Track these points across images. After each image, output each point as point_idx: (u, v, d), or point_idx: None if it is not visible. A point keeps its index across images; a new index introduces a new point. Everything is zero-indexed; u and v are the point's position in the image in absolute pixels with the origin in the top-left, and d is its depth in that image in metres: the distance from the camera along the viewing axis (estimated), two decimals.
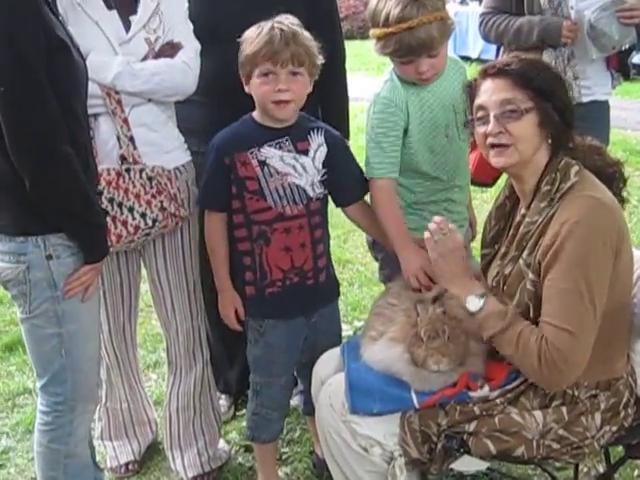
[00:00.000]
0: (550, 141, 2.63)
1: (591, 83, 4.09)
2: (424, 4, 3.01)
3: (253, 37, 2.99)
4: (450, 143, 3.24)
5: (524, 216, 2.67)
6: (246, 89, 3.07)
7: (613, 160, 2.69)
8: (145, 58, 3.20)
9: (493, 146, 2.64)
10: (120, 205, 3.11)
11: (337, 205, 3.30)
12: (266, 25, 3.00)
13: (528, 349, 2.48)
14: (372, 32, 3.16)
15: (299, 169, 3.11)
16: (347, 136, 3.81)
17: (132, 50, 3.18)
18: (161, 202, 3.19)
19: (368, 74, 17.16)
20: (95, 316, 2.94)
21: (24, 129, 2.56)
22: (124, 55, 3.15)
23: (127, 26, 3.20)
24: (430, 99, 3.24)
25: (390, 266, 3.39)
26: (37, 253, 2.71)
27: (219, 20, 3.33)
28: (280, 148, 3.09)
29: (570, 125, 2.65)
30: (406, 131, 3.24)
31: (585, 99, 4.06)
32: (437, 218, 2.84)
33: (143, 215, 3.15)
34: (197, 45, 3.30)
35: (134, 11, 3.21)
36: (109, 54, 3.13)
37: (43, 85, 2.54)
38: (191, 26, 3.33)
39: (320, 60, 3.10)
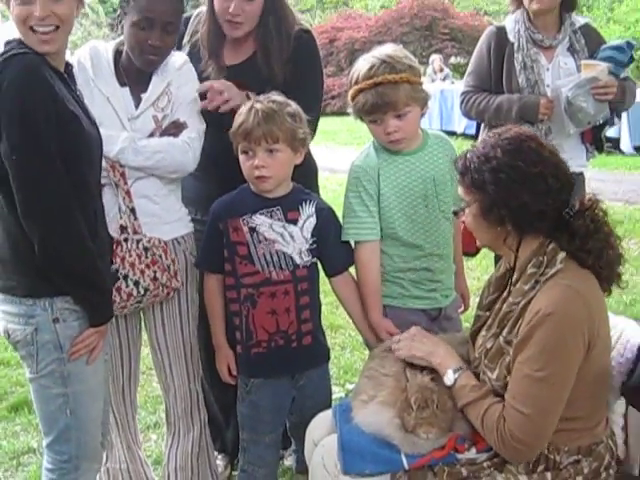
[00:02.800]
0: (501, 229, 2.61)
1: (567, 156, 4.04)
2: (392, 65, 3.11)
3: (237, 115, 3.09)
4: (429, 213, 3.23)
5: (509, 294, 2.67)
6: None
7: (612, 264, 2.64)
8: (152, 135, 3.25)
9: None
10: (116, 272, 3.12)
11: (326, 274, 3.31)
12: (247, 104, 3.09)
13: (490, 425, 2.51)
14: (348, 95, 3.25)
15: (287, 237, 3.14)
16: None
17: (140, 126, 3.24)
18: (154, 272, 3.20)
19: (357, 148, 17.29)
20: (100, 378, 2.93)
21: (33, 196, 2.58)
22: (132, 130, 3.20)
23: (137, 103, 3.26)
24: (407, 167, 3.24)
25: None
26: (44, 316, 2.71)
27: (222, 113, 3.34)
28: (271, 216, 3.12)
29: (536, 218, 2.55)
30: (379, 197, 3.24)
31: None
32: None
33: (136, 283, 3.16)
34: (202, 126, 3.35)
35: (145, 89, 3.26)
36: (117, 129, 3.18)
37: (52, 155, 2.57)
38: (199, 107, 3.36)
39: (305, 134, 3.14)
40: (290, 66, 3.53)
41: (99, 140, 2.89)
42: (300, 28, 3.64)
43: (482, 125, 4.45)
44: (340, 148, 17.18)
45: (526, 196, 2.52)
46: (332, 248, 3.24)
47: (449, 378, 2.65)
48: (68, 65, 2.85)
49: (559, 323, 2.43)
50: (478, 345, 2.74)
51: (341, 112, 24.00)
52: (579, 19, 4.30)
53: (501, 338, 2.60)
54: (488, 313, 2.79)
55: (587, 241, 2.54)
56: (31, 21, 2.59)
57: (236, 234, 3.10)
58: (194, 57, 3.51)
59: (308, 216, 3.18)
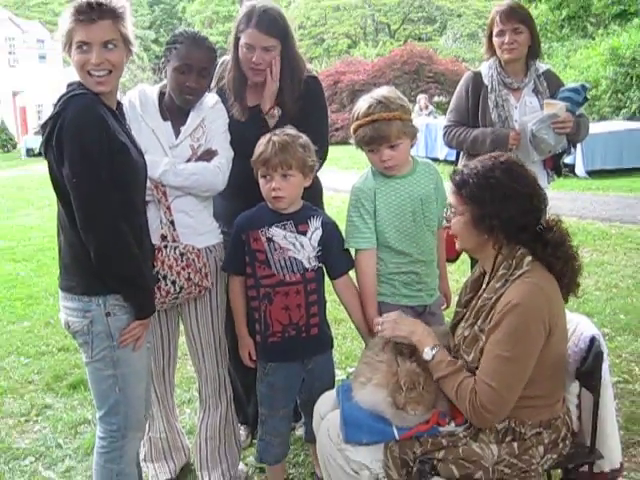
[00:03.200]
0: (492, 237, 2.62)
1: None
2: (387, 105, 3.15)
3: (257, 146, 3.14)
4: (416, 227, 3.24)
5: (484, 291, 2.68)
6: None
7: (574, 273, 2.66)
8: (189, 160, 3.29)
9: None
10: (157, 273, 3.15)
11: (329, 277, 3.32)
12: (266, 137, 3.14)
13: (463, 396, 2.53)
14: (351, 128, 3.28)
15: (298, 246, 3.16)
16: None
17: (179, 153, 3.27)
18: (188, 273, 3.22)
19: (358, 172, 17.27)
20: (144, 362, 2.93)
21: (89, 213, 2.60)
22: (173, 156, 3.25)
23: (177, 133, 3.30)
24: (399, 189, 3.26)
25: None
26: (98, 311, 2.73)
27: (245, 140, 3.33)
28: (284, 229, 3.15)
29: (521, 228, 2.58)
30: (375, 213, 3.26)
31: None
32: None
33: (173, 283, 3.18)
34: (230, 154, 3.36)
35: (184, 123, 3.30)
36: (160, 155, 3.23)
37: (104, 180, 2.58)
38: (228, 138, 3.41)
39: (314, 162, 3.18)
40: (300, 103, 3.56)
41: (144, 166, 2.90)
42: (308, 75, 3.67)
43: (461, 153, 4.44)
44: (343, 172, 17.18)
45: (515, 211, 2.56)
46: (335, 256, 3.25)
47: (427, 353, 2.65)
48: (119, 104, 2.87)
49: (524, 312, 2.46)
50: (457, 335, 2.75)
51: (344, 142, 24.01)
52: (542, 66, 4.33)
53: (476, 327, 2.62)
54: (465, 309, 2.80)
55: (557, 250, 2.60)
56: (88, 67, 2.61)
57: (256, 243, 3.13)
58: (221, 99, 3.51)
59: (315, 228, 3.20)
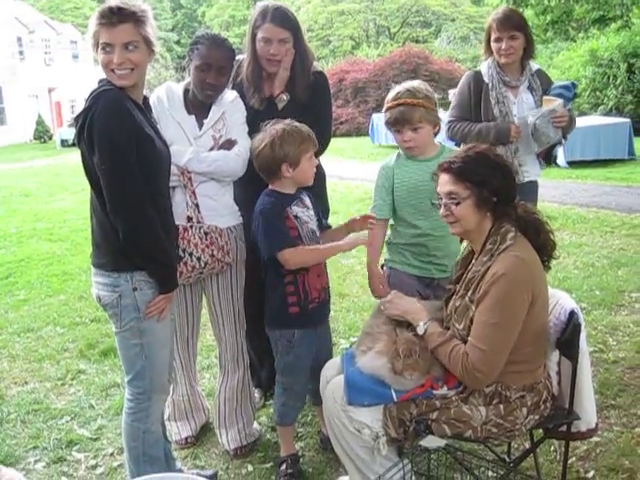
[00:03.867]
0: (490, 214, 2.64)
1: (528, 168, 4.16)
2: (413, 93, 3.29)
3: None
4: (433, 206, 3.04)
5: (473, 265, 2.68)
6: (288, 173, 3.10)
7: (547, 237, 2.68)
8: (211, 149, 3.31)
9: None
10: (184, 251, 3.18)
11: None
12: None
13: (456, 360, 2.54)
14: (382, 111, 3.48)
15: (311, 218, 3.20)
16: (327, 209, 3.89)
17: (202, 143, 3.30)
18: (212, 250, 3.25)
19: (360, 161, 17.29)
20: (168, 332, 2.94)
21: (118, 197, 2.62)
22: (197, 146, 3.27)
23: (200, 126, 3.33)
24: (419, 170, 3.36)
25: None
26: (126, 286, 2.74)
27: (259, 126, 3.34)
28: (298, 206, 3.16)
29: (508, 201, 2.64)
30: (393, 189, 3.42)
31: (525, 179, 4.12)
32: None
33: (198, 259, 3.21)
34: (248, 143, 3.35)
35: (206, 116, 3.33)
36: (185, 145, 3.27)
37: (131, 166, 2.60)
38: (247, 128, 3.42)
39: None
40: (309, 92, 3.61)
41: (168, 155, 2.91)
42: (316, 70, 3.72)
43: (461, 145, 4.29)
44: (346, 161, 17.18)
45: (509, 183, 2.66)
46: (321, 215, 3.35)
47: (421, 328, 2.67)
48: (145, 98, 2.87)
49: (509, 282, 2.47)
50: (449, 306, 2.75)
51: (348, 134, 24.06)
52: (534, 65, 4.31)
53: (466, 298, 2.62)
54: (457, 285, 2.80)
55: (530, 221, 2.67)
56: (112, 66, 2.63)
57: (289, 221, 3.09)
58: (239, 93, 3.53)
59: (309, 202, 3.25)
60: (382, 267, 3.64)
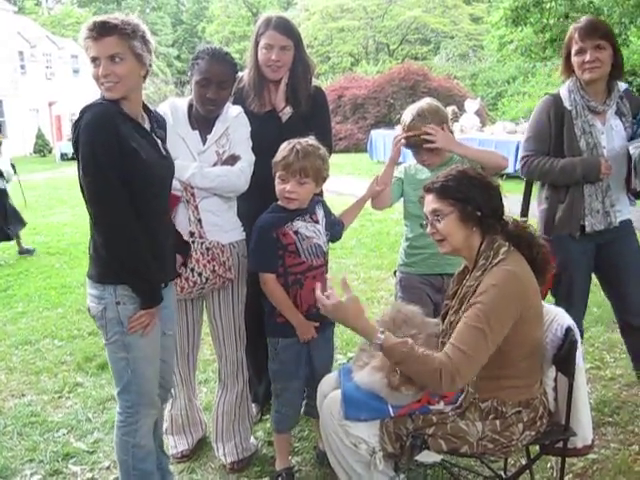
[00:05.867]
0: (476, 228, 2.66)
1: (620, 207, 3.72)
2: (425, 117, 3.45)
3: (281, 149, 3.12)
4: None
5: (467, 280, 2.70)
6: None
7: (540, 252, 2.69)
8: (215, 164, 3.32)
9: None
10: (185, 266, 3.15)
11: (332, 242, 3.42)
12: (291, 142, 3.12)
13: (430, 362, 2.44)
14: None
15: (317, 233, 3.19)
16: None
17: (206, 158, 3.31)
18: (213, 266, 3.25)
19: (358, 177, 17.32)
20: (155, 347, 2.91)
21: (99, 209, 2.65)
22: (200, 161, 3.28)
23: (204, 141, 3.34)
24: (423, 176, 3.50)
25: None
26: (110, 299, 2.75)
27: (260, 136, 3.44)
28: (304, 220, 3.17)
29: (493, 216, 2.66)
30: (403, 190, 3.62)
31: (617, 221, 3.69)
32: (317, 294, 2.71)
33: (200, 275, 3.21)
34: (252, 159, 3.39)
35: (210, 131, 3.34)
36: (189, 160, 3.27)
37: (110, 179, 2.61)
38: (250, 144, 3.43)
39: (327, 173, 3.21)
40: (310, 104, 3.66)
41: (167, 167, 2.91)
42: (315, 85, 3.78)
43: (539, 184, 3.91)
44: (344, 177, 17.19)
45: (494, 199, 2.67)
46: (333, 227, 3.37)
47: (379, 338, 2.52)
48: (151, 112, 2.90)
49: (498, 292, 2.48)
50: (445, 322, 2.76)
51: (346, 150, 24.11)
52: (622, 85, 3.76)
53: (460, 312, 2.61)
54: (452, 300, 2.80)
55: (520, 231, 2.69)
56: (99, 79, 2.65)
57: (285, 238, 3.11)
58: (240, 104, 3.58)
59: (322, 216, 3.26)
60: (395, 273, 3.73)
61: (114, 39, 2.63)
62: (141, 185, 2.72)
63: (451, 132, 3.53)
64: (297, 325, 3.17)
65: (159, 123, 2.97)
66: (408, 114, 3.49)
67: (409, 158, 3.71)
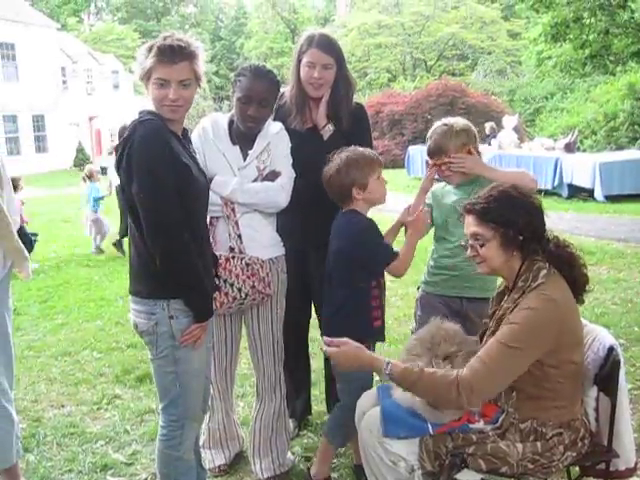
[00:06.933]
0: (517, 252, 2.62)
1: None
2: (448, 138, 3.42)
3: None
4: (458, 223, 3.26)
5: (505, 302, 2.67)
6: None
7: (581, 272, 2.66)
8: (255, 180, 3.34)
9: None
10: (225, 281, 3.19)
11: None
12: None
13: (443, 379, 2.46)
14: None
15: None
16: None
17: (246, 174, 3.33)
18: (253, 282, 3.26)
19: (396, 193, 17.25)
20: (202, 361, 2.93)
21: (156, 223, 2.64)
22: (241, 177, 3.30)
23: (245, 156, 3.36)
24: (449, 200, 3.48)
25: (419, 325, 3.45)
26: (163, 314, 2.75)
27: (302, 152, 3.45)
28: None
29: (535, 237, 2.61)
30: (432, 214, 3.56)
31: None
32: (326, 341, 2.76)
33: (239, 290, 3.23)
34: (292, 175, 3.41)
35: (251, 147, 3.36)
36: (230, 175, 3.30)
37: (169, 193, 2.63)
38: (291, 160, 3.45)
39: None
40: (351, 121, 3.66)
41: (206, 185, 2.95)
42: (356, 102, 3.79)
43: None
44: None
45: (537, 223, 2.62)
46: None
47: (386, 368, 2.55)
48: (185, 130, 2.92)
49: (535, 316, 2.46)
50: (483, 342, 2.74)
51: (384, 166, 24.09)
52: None
53: (497, 334, 2.60)
54: (490, 320, 2.78)
55: (561, 251, 2.65)
56: (166, 102, 2.68)
57: None
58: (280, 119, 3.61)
59: None
60: (418, 288, 3.73)
61: (187, 64, 2.68)
62: (191, 200, 2.75)
63: (478, 153, 3.49)
64: (414, 231, 3.25)
65: (189, 141, 3.00)
66: (429, 140, 3.50)
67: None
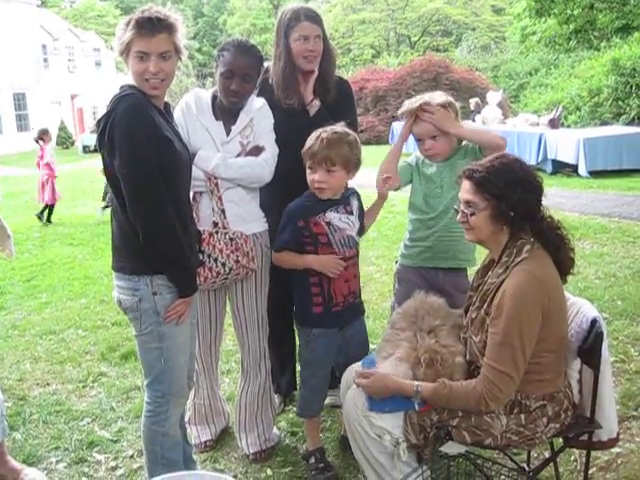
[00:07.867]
0: (506, 227, 2.62)
1: None
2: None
3: (308, 139, 3.12)
4: (444, 194, 3.38)
5: (489, 277, 2.68)
6: None
7: (567, 255, 2.66)
8: (238, 155, 3.32)
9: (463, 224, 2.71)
10: (209, 256, 3.19)
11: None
12: (317, 132, 3.12)
13: (471, 393, 2.52)
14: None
15: (350, 224, 3.18)
16: None
17: (229, 149, 3.31)
18: (237, 256, 3.25)
19: (378, 169, 17.25)
20: (187, 336, 2.94)
21: (139, 198, 2.63)
22: (224, 152, 3.28)
23: (228, 132, 3.34)
24: (429, 171, 3.46)
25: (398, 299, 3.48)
26: (146, 290, 2.75)
27: (289, 128, 3.43)
28: (337, 212, 3.16)
29: (527, 217, 2.60)
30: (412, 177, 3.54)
31: None
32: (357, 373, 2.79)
33: (223, 265, 3.22)
34: (276, 150, 3.39)
35: (234, 122, 3.34)
36: (213, 150, 3.28)
37: (152, 167, 2.62)
38: (274, 136, 3.43)
39: (359, 158, 3.18)
40: (336, 96, 3.67)
41: (188, 160, 2.93)
42: (340, 77, 3.80)
43: None
44: (366, 169, 17.10)
45: (531, 202, 2.61)
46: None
47: (417, 392, 2.59)
48: (167, 104, 2.89)
49: (519, 301, 2.46)
50: (467, 317, 2.75)
51: (368, 142, 24.05)
52: None
53: (482, 310, 2.62)
54: (475, 293, 2.79)
55: (551, 234, 2.63)
56: (147, 75, 2.66)
57: (316, 227, 3.11)
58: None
59: (356, 206, 3.26)
60: (395, 262, 3.74)
61: (166, 36, 2.66)
62: (173, 174, 2.74)
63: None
64: (321, 265, 3.13)
65: (171, 116, 2.98)
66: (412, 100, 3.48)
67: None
